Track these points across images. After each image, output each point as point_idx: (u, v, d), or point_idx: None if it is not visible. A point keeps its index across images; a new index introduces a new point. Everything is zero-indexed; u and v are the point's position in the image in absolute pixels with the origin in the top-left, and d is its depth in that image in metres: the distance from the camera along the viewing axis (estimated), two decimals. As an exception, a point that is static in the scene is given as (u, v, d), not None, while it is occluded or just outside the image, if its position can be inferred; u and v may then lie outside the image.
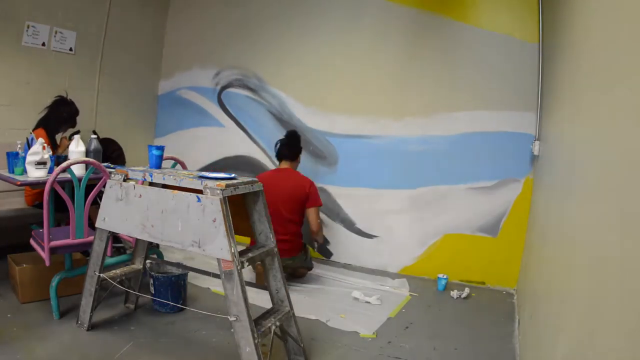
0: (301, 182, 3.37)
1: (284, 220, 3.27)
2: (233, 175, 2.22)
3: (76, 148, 2.88)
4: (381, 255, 3.98)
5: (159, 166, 2.44)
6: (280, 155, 3.52)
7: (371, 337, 2.66)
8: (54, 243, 2.48)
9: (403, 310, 3.12)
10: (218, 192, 1.98)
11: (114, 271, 2.62)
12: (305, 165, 4.23)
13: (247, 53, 4.48)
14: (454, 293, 3.41)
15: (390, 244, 3.95)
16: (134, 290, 2.74)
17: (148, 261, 2.88)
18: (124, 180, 2.31)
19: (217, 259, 1.98)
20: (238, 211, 2.21)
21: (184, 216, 2.06)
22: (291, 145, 3.51)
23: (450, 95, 3.72)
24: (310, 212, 3.38)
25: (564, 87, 2.16)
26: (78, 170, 2.71)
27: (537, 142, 3.31)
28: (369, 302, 3.16)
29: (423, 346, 2.58)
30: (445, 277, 3.55)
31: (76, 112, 3.51)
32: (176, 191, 2.10)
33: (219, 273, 2.00)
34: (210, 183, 2.02)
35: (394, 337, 2.67)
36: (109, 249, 2.47)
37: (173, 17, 4.91)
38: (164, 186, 2.27)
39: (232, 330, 2.00)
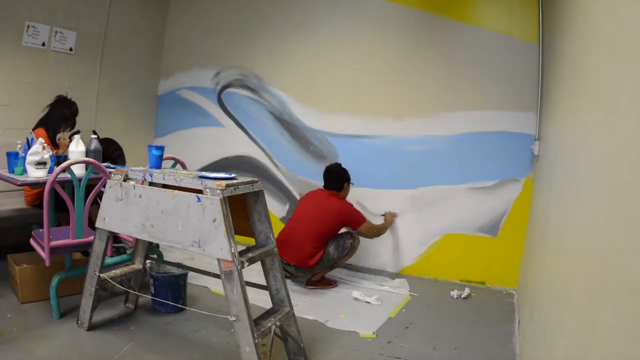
0: (331, 207, 3.34)
1: (304, 234, 3.29)
2: (233, 175, 2.22)
3: (76, 148, 2.88)
4: (381, 255, 3.98)
5: (159, 166, 2.44)
6: (325, 186, 3.55)
7: (371, 337, 2.66)
8: (54, 243, 2.48)
9: (403, 310, 3.12)
10: (218, 192, 1.98)
11: (114, 271, 2.62)
12: (306, 165, 4.23)
13: (247, 53, 4.48)
14: (454, 293, 3.41)
15: (390, 244, 3.95)
16: (134, 290, 2.74)
17: (148, 261, 2.88)
18: (124, 180, 2.31)
19: (217, 259, 1.98)
20: (238, 211, 2.21)
21: (184, 216, 2.06)
22: (333, 180, 3.52)
23: (450, 95, 3.71)
24: (360, 231, 3.46)
25: (564, 87, 2.16)
26: (78, 170, 2.71)
27: (537, 142, 3.31)
28: (369, 302, 3.16)
29: (423, 346, 2.58)
30: None
31: (77, 112, 3.51)
32: (176, 191, 2.10)
33: (219, 273, 2.01)
34: (210, 183, 2.02)
35: (394, 337, 2.67)
36: (109, 249, 2.47)
37: (173, 17, 4.91)
38: (164, 186, 2.28)
39: (232, 330, 2.00)
